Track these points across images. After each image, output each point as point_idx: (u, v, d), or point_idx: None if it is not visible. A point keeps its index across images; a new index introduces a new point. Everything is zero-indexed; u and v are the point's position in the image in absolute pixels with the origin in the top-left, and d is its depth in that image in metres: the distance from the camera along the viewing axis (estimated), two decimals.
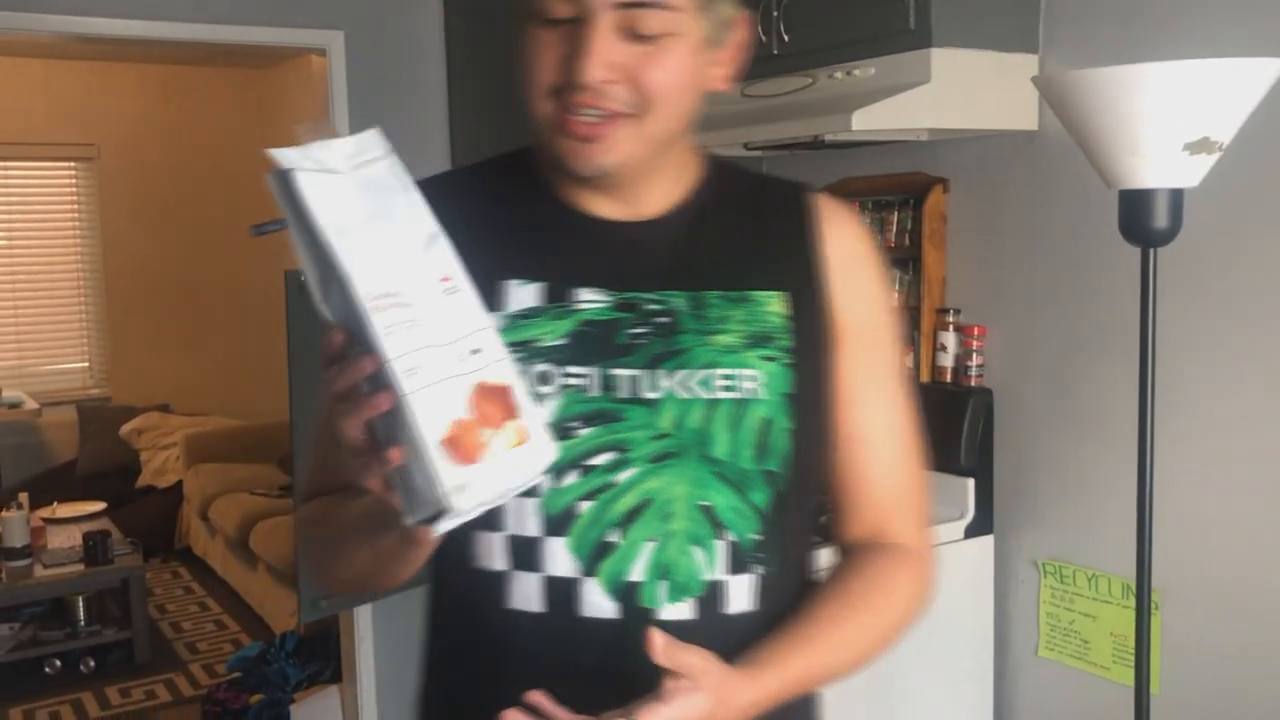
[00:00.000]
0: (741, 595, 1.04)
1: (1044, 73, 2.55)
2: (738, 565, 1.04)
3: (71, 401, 6.58)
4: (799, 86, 2.78)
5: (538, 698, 0.91)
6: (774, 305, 1.07)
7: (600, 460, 1.01)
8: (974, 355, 2.81)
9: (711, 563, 1.03)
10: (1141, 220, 1.78)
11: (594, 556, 1.01)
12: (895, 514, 1.14)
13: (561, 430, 1.00)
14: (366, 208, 0.81)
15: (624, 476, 1.01)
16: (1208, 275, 2.34)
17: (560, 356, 1.02)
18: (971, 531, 2.76)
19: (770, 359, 1.05)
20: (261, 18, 3.14)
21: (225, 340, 6.79)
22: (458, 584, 1.06)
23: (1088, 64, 1.76)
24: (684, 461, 1.02)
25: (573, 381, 1.02)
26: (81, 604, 4.57)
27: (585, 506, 1.01)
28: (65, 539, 4.82)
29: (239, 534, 5.27)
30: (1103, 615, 2.60)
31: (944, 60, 2.47)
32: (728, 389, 1.03)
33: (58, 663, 4.47)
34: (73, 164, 6.59)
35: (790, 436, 1.05)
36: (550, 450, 0.82)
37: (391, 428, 0.78)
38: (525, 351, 1.01)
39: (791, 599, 1.07)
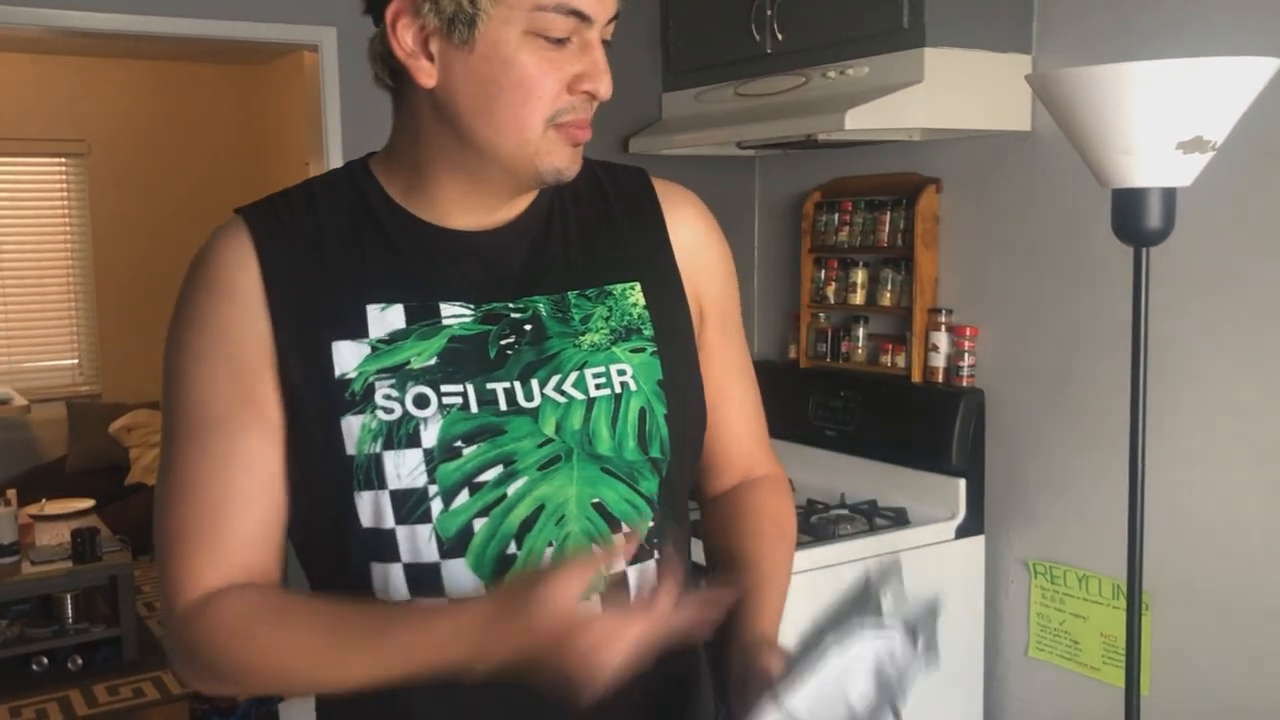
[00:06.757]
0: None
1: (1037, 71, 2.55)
2: (636, 554, 1.04)
3: (61, 398, 6.55)
4: (792, 85, 2.78)
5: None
6: (633, 295, 1.08)
7: (489, 475, 1.00)
8: (966, 355, 2.81)
9: None
10: (1134, 220, 1.77)
11: (496, 571, 0.99)
12: (757, 454, 1.23)
13: (447, 451, 0.99)
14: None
15: (514, 487, 1.00)
16: (1201, 275, 2.34)
17: (434, 376, 1.00)
18: (962, 532, 2.76)
19: (638, 350, 1.07)
20: (252, 13, 3.12)
21: None
22: None
23: (1081, 64, 1.75)
24: (571, 463, 1.02)
25: (450, 400, 1.00)
26: (69, 601, 4.53)
27: (480, 523, 0.99)
28: (53, 536, 4.78)
29: None
30: (1093, 616, 2.60)
31: (937, 60, 2.47)
32: (602, 386, 1.04)
33: (45, 660, 4.44)
34: (63, 160, 6.55)
35: (667, 421, 1.06)
36: None
37: None
38: (397, 376, 0.99)
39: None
